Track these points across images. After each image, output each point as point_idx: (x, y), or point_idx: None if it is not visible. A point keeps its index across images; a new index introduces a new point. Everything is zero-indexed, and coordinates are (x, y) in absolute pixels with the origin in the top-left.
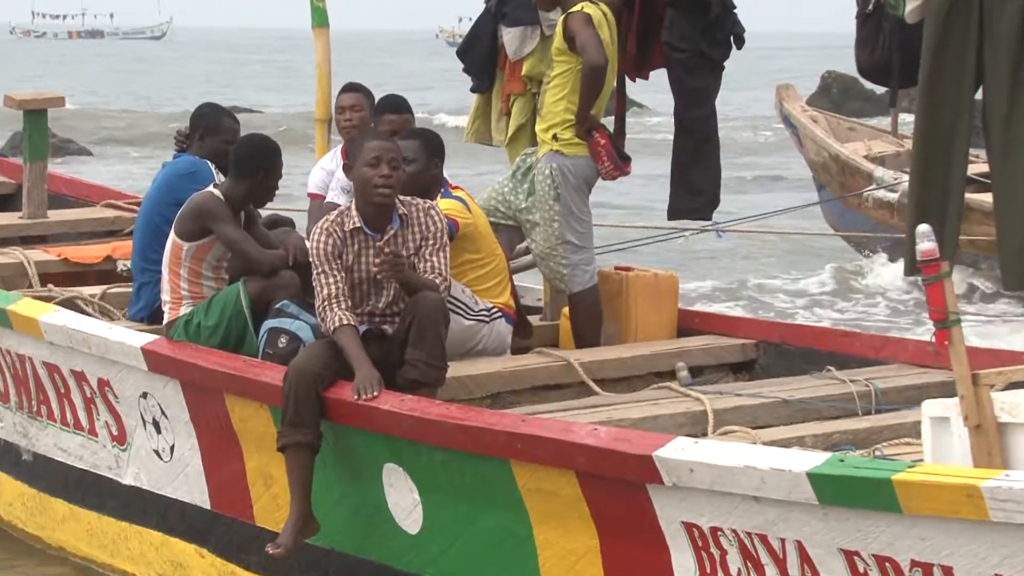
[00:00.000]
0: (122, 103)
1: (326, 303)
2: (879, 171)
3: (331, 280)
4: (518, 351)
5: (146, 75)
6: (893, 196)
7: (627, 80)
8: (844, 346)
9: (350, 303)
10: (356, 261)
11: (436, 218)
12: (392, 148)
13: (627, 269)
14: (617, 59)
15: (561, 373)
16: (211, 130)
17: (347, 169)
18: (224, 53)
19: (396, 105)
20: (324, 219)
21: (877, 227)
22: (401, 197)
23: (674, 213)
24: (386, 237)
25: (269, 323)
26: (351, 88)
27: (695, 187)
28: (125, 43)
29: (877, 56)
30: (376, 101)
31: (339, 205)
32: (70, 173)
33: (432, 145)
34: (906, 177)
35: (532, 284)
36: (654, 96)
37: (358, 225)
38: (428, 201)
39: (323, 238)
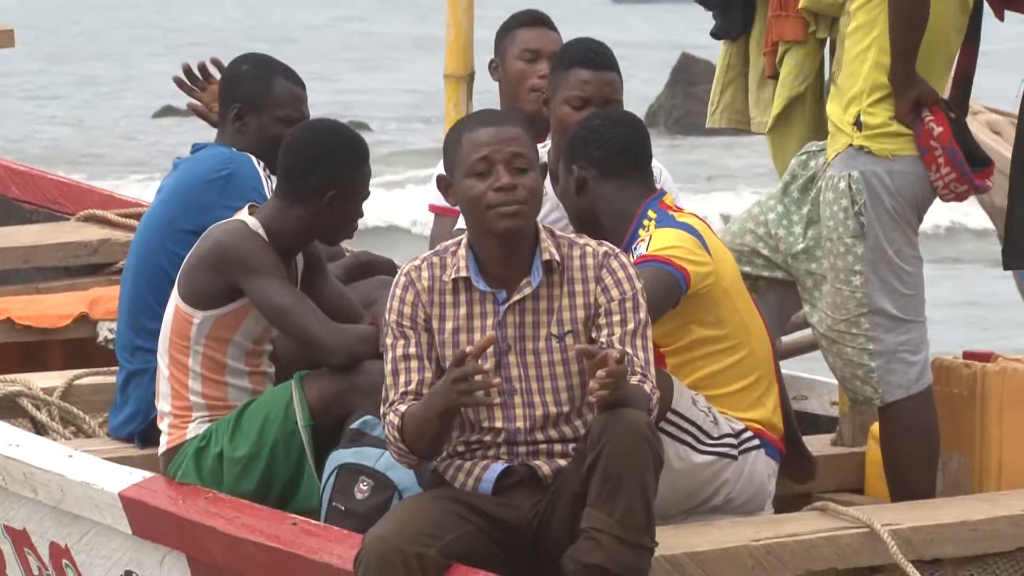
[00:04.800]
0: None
1: (394, 406)
2: None
3: (408, 364)
4: (788, 504)
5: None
6: None
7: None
8: None
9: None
10: (460, 338)
11: (622, 272)
12: (512, 137)
13: (984, 357)
14: None
15: (861, 547)
16: (256, 101)
17: (443, 187)
18: None
19: (597, 57)
20: (419, 257)
21: None
22: (553, 231)
23: (1020, 258)
24: (515, 298)
25: (341, 456)
26: (546, 22)
27: None
28: None
29: None
30: (561, 48)
31: None
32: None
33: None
34: None
35: (815, 374)
36: None
37: (465, 275)
38: (605, 243)
39: (399, 290)
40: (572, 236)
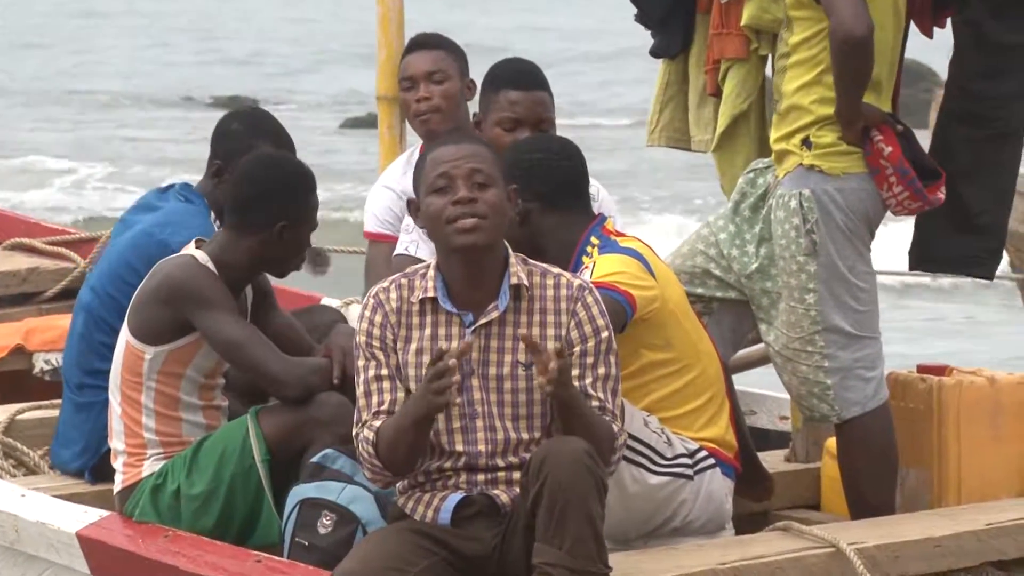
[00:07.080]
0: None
1: (367, 424)
2: None
3: (381, 385)
4: (745, 522)
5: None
6: None
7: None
8: None
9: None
10: (423, 359)
11: (596, 309)
12: (471, 153)
13: (939, 370)
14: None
15: (828, 567)
16: (235, 161)
17: (412, 210)
18: None
19: (525, 76)
20: (388, 279)
21: None
22: (525, 259)
23: (927, 262)
24: (481, 321)
25: (302, 490)
26: (424, 43)
27: (973, 220)
28: None
29: None
30: (489, 70)
31: (417, 260)
32: None
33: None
34: None
35: (767, 390)
36: None
37: (432, 295)
38: (577, 276)
39: (368, 312)
40: (546, 265)
